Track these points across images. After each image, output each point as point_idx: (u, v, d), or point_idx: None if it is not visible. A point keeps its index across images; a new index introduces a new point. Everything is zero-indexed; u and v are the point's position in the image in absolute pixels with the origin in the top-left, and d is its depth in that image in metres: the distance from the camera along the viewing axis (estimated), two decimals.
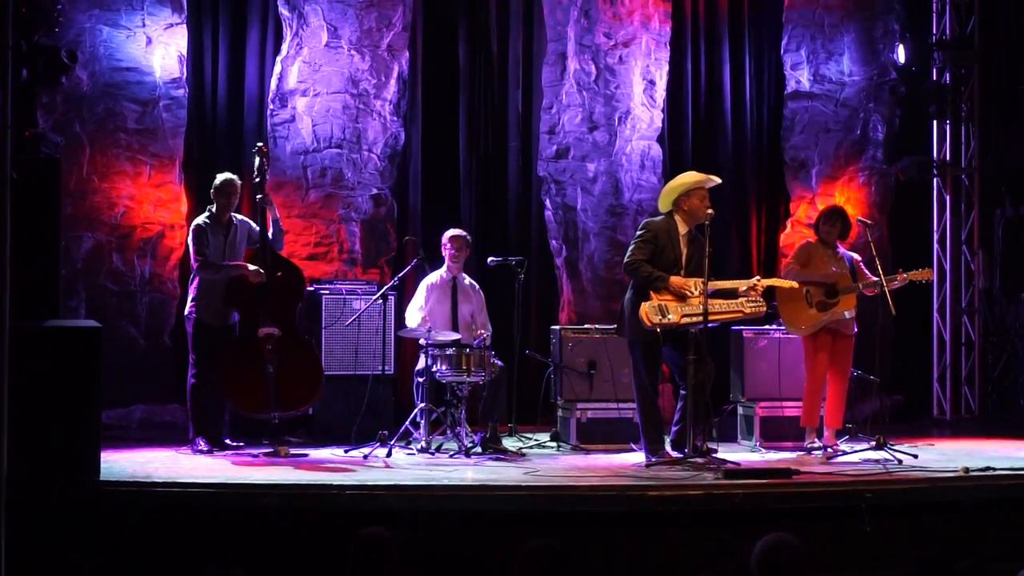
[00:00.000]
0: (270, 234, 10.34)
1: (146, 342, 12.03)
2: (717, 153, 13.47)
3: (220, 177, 10.51)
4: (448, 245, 11.11)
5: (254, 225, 10.49)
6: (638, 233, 9.95)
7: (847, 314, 10.24)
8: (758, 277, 10.16)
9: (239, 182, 10.54)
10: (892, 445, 9.89)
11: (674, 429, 9.83)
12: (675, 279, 9.53)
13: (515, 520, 8.00)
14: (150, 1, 12.10)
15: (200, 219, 10.40)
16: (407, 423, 10.52)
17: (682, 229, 9.78)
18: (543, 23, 13.07)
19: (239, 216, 10.56)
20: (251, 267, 10.18)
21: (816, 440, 10.40)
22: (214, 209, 10.38)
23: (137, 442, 10.54)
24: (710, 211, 9.69)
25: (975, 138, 13.88)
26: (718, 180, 10.01)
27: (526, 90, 13.20)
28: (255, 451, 10.10)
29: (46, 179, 9.05)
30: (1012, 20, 13.72)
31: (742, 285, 9.79)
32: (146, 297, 12.05)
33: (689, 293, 9.47)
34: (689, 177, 9.96)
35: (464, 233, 11.21)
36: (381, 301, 10.93)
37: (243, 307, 10.22)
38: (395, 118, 12.65)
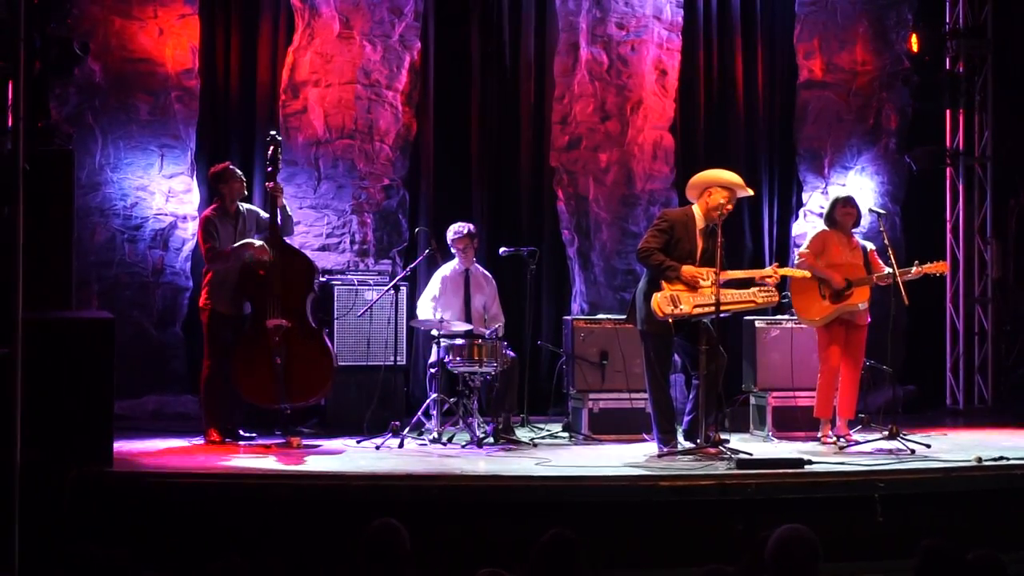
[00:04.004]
0: (279, 221, 10.34)
1: (158, 333, 12.05)
2: (729, 143, 13.43)
3: (217, 167, 10.55)
4: (453, 244, 11.12)
5: (262, 213, 10.51)
6: (655, 222, 9.95)
7: (860, 305, 10.22)
8: (775, 265, 10.13)
9: (236, 169, 10.55)
10: (905, 435, 9.88)
11: (686, 419, 9.83)
12: (687, 268, 9.51)
13: (527, 511, 8.01)
14: None
15: (208, 211, 10.43)
16: (419, 414, 10.55)
17: (700, 223, 9.74)
18: (555, 13, 13.05)
19: (246, 205, 10.58)
20: (257, 243, 10.17)
21: (829, 431, 10.38)
22: (220, 200, 10.40)
23: (149, 433, 10.55)
24: (728, 207, 9.67)
25: (988, 127, 13.84)
26: (751, 192, 10.00)
27: (538, 80, 13.17)
28: (267, 442, 10.12)
29: (59, 170, 9.06)
30: None
31: (758, 274, 9.79)
32: (158, 288, 12.06)
33: (701, 282, 9.45)
34: (725, 175, 9.92)
35: (465, 230, 11.15)
36: (393, 292, 10.94)
37: (254, 298, 10.22)
38: (407, 108, 12.64)
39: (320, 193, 12.44)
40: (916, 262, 10.27)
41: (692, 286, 9.47)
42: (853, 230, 10.56)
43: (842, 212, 10.43)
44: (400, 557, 5.36)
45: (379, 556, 5.37)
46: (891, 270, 10.00)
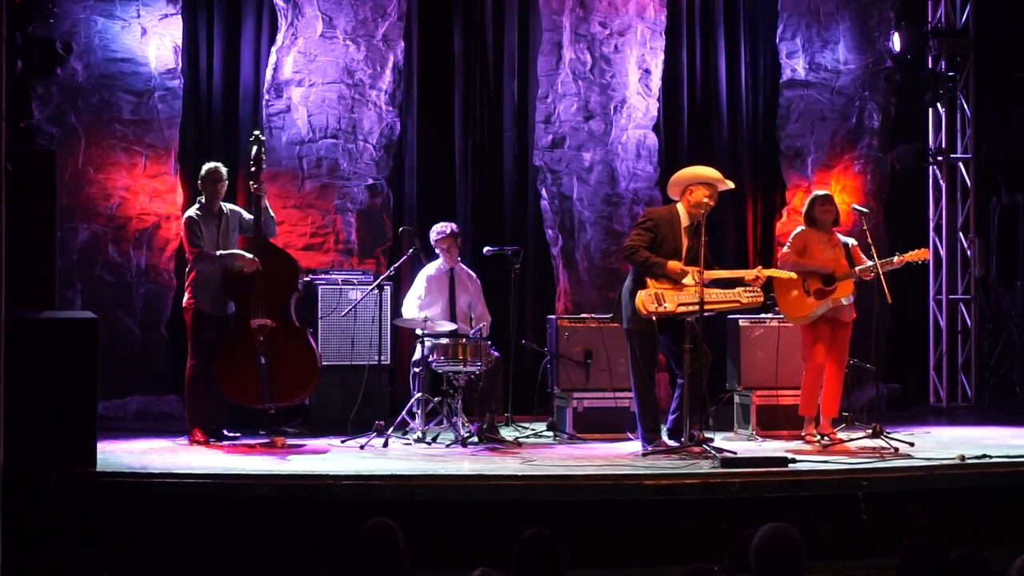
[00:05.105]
0: (262, 221, 10.31)
1: (142, 333, 12.03)
2: (712, 142, 13.45)
3: (205, 167, 10.50)
4: (437, 244, 11.13)
5: (245, 214, 10.47)
6: (639, 220, 9.98)
7: (844, 300, 10.20)
8: (759, 268, 10.14)
9: (224, 169, 10.49)
10: (888, 433, 9.90)
11: (671, 418, 9.84)
12: (672, 264, 9.50)
13: (511, 510, 8.00)
14: None
15: (191, 211, 10.39)
16: (404, 413, 10.53)
17: (684, 221, 9.76)
18: (538, 12, 13.04)
19: (229, 205, 10.54)
20: (247, 255, 10.15)
21: (813, 429, 10.38)
22: (204, 200, 10.36)
23: (133, 433, 10.52)
24: (710, 204, 9.68)
25: (970, 126, 13.90)
26: (731, 184, 10.01)
27: (521, 80, 13.17)
28: (251, 441, 10.10)
29: (41, 171, 9.04)
30: (1007, 7, 13.73)
31: (745, 275, 9.80)
32: (142, 288, 12.04)
33: (686, 274, 9.44)
34: (704, 170, 9.95)
35: (449, 230, 11.16)
36: (377, 291, 10.94)
37: (238, 298, 10.20)
38: (390, 108, 12.63)
39: (304, 193, 12.43)
40: (897, 253, 10.25)
41: (677, 284, 9.47)
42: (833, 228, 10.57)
43: (821, 210, 10.42)
44: (395, 556, 5.36)
45: (374, 555, 5.36)
46: (873, 263, 10.01)
